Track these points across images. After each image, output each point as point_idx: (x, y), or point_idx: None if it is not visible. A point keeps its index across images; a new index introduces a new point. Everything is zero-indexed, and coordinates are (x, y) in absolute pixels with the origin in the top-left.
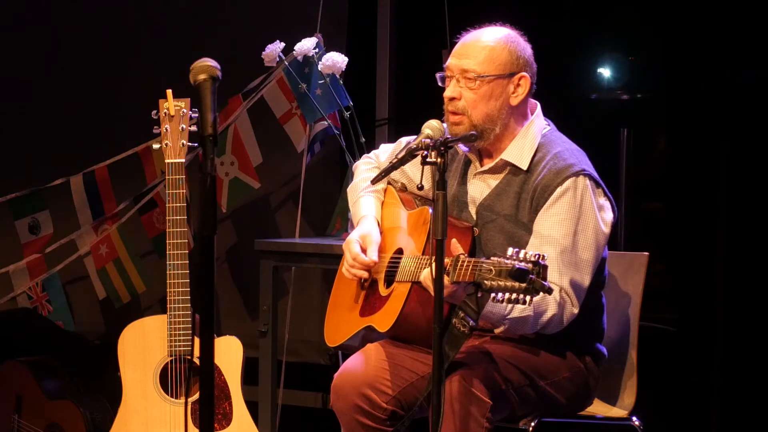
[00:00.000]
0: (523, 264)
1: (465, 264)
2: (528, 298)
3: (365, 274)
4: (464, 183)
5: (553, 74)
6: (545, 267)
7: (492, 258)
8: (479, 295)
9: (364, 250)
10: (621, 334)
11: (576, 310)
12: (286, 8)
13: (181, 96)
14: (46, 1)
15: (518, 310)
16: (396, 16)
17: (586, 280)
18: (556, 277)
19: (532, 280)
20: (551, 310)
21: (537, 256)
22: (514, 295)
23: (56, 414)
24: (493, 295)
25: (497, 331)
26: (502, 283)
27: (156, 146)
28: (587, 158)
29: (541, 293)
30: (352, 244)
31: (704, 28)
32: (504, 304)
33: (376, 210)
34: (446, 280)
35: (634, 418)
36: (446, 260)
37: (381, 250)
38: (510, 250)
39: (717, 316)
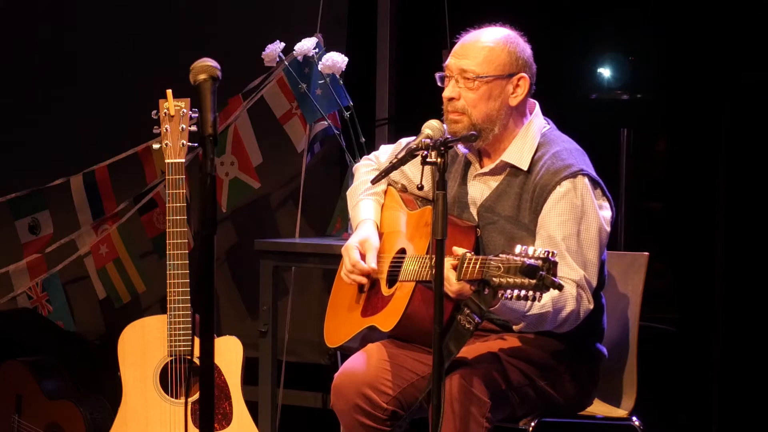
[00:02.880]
0: (532, 260)
1: (472, 262)
2: (538, 294)
3: (364, 281)
4: (464, 184)
5: (553, 74)
6: (555, 263)
7: (500, 255)
8: (485, 292)
9: (363, 256)
10: (621, 334)
11: (591, 306)
12: (286, 8)
13: (181, 96)
14: (46, 0)
15: (537, 307)
16: (396, 16)
17: (594, 278)
18: (572, 274)
19: (543, 276)
20: (570, 306)
21: (546, 253)
22: (523, 292)
23: (56, 414)
24: (501, 292)
25: (516, 328)
26: (511, 280)
27: (156, 146)
28: (587, 157)
29: (552, 289)
30: (351, 250)
31: (705, 28)
32: (524, 301)
33: (375, 213)
34: (453, 277)
35: (634, 418)
36: (452, 260)
37: (383, 251)
38: (518, 248)
39: (717, 316)
